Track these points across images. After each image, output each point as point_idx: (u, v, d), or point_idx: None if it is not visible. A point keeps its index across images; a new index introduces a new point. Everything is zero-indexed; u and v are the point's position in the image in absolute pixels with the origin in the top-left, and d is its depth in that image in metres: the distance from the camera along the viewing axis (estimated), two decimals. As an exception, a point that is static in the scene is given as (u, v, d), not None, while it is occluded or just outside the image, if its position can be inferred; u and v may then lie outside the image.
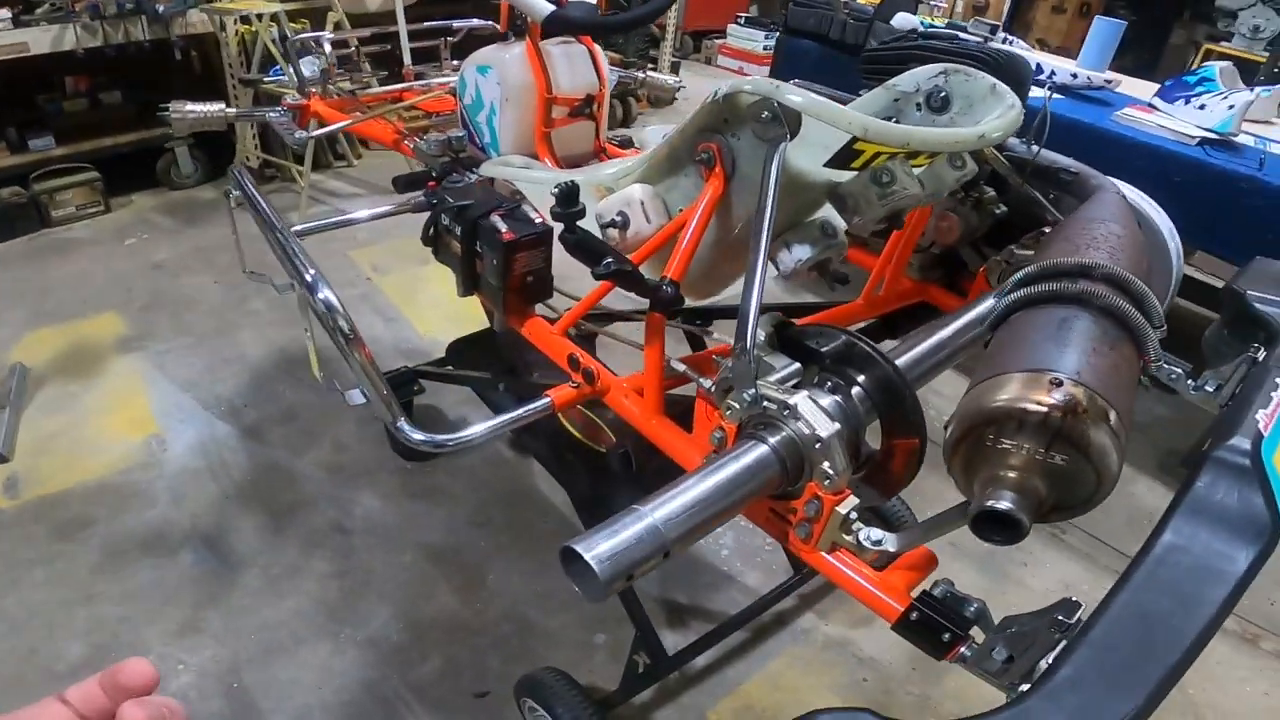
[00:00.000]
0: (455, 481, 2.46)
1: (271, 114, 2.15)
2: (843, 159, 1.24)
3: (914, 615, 1.06)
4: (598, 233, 1.39)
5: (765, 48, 6.56)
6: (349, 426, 2.66)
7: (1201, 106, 2.30)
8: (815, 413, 1.08)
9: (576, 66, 1.91)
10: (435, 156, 1.96)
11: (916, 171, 1.33)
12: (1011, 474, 0.89)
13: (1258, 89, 2.46)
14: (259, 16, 3.59)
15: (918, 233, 1.61)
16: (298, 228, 1.63)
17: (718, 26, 7.07)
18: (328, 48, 2.32)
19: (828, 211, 1.42)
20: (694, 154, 1.34)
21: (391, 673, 1.95)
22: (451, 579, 2.20)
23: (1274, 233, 2.01)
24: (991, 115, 1.36)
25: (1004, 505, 0.87)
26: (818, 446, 1.07)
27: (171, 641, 1.98)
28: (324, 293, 1.29)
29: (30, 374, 2.81)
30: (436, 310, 3.28)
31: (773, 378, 1.14)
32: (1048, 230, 1.55)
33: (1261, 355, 1.14)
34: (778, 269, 1.40)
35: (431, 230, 1.64)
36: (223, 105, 2.12)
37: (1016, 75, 1.54)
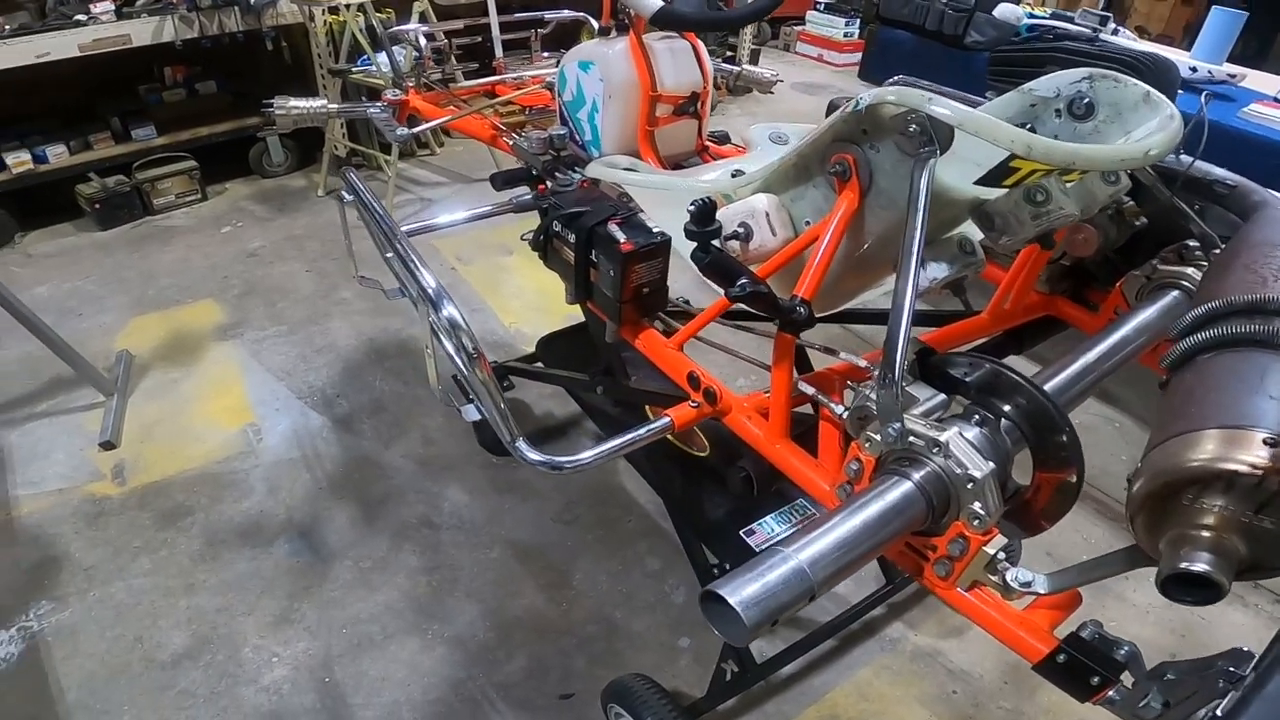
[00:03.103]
0: (541, 478, 2.42)
1: (372, 110, 2.11)
2: (996, 176, 1.14)
3: (1061, 658, 0.97)
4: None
5: (846, 34, 6.36)
6: (436, 419, 2.65)
7: (1340, 105, 2.11)
8: (969, 451, 0.99)
9: (680, 63, 1.82)
10: (536, 154, 1.89)
11: (1068, 186, 1.22)
12: (1207, 534, 0.79)
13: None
14: (346, 7, 3.57)
15: (1047, 251, 1.49)
16: (406, 228, 1.59)
17: (796, 13, 6.86)
18: (422, 40, 2.27)
19: (965, 227, 1.31)
20: (826, 165, 1.25)
21: (478, 671, 1.93)
22: (538, 577, 2.16)
23: None
24: (1147, 126, 1.23)
25: (1201, 568, 0.77)
26: (970, 486, 0.98)
27: (267, 633, 1.99)
28: (448, 309, 1.23)
29: (135, 361, 2.85)
30: (520, 301, 3.25)
31: (917, 410, 1.05)
32: (1192, 244, 1.42)
33: None
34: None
35: (542, 236, 1.58)
36: (324, 101, 2.08)
37: (1166, 81, 1.41)
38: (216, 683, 1.86)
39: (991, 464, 0.99)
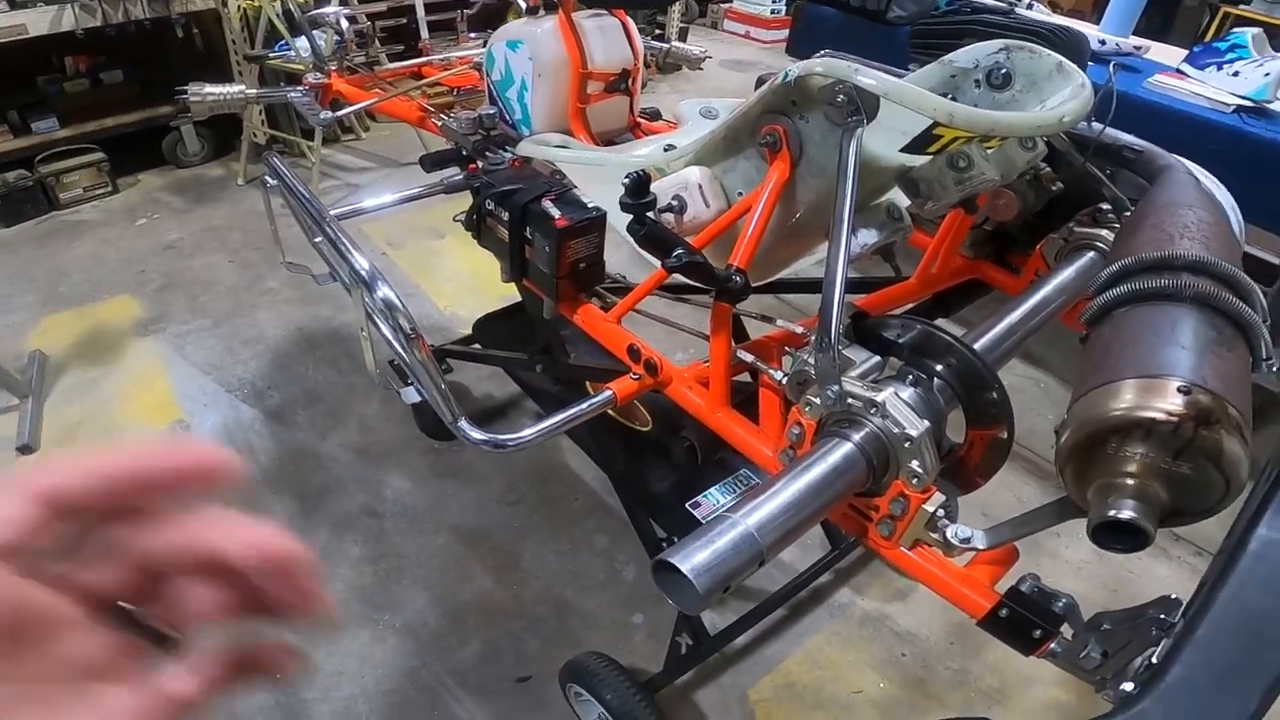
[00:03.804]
0: (483, 460, 2.40)
1: (293, 94, 2.03)
2: (920, 144, 1.16)
3: (1004, 612, 1.01)
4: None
5: (774, 11, 6.38)
6: (374, 407, 2.59)
7: (1235, 74, 2.22)
8: (904, 410, 1.01)
9: (610, 40, 1.81)
10: (465, 135, 1.86)
11: (989, 152, 1.25)
12: (1131, 481, 0.83)
13: (1295, 55, 2.38)
14: (263, -9, 3.43)
15: (971, 215, 1.53)
16: (334, 212, 1.54)
17: (725, -10, 6.86)
18: (344, 23, 2.19)
19: (893, 194, 1.34)
20: (757, 136, 1.25)
21: (432, 659, 1.91)
22: (485, 561, 2.14)
23: (1321, 203, 1.95)
24: (1061, 94, 1.28)
25: (1127, 514, 0.80)
26: (907, 445, 1.01)
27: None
28: (383, 290, 1.20)
29: (49, 361, 2.71)
30: (454, 284, 3.19)
31: (854, 373, 1.07)
32: (1105, 208, 1.48)
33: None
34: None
35: (475, 215, 1.55)
36: (243, 87, 2.00)
37: (1077, 52, 1.46)
38: None
39: (927, 422, 1.01)
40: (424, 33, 2.53)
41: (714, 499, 1.88)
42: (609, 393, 1.30)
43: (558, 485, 2.34)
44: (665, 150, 1.67)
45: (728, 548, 0.89)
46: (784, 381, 1.17)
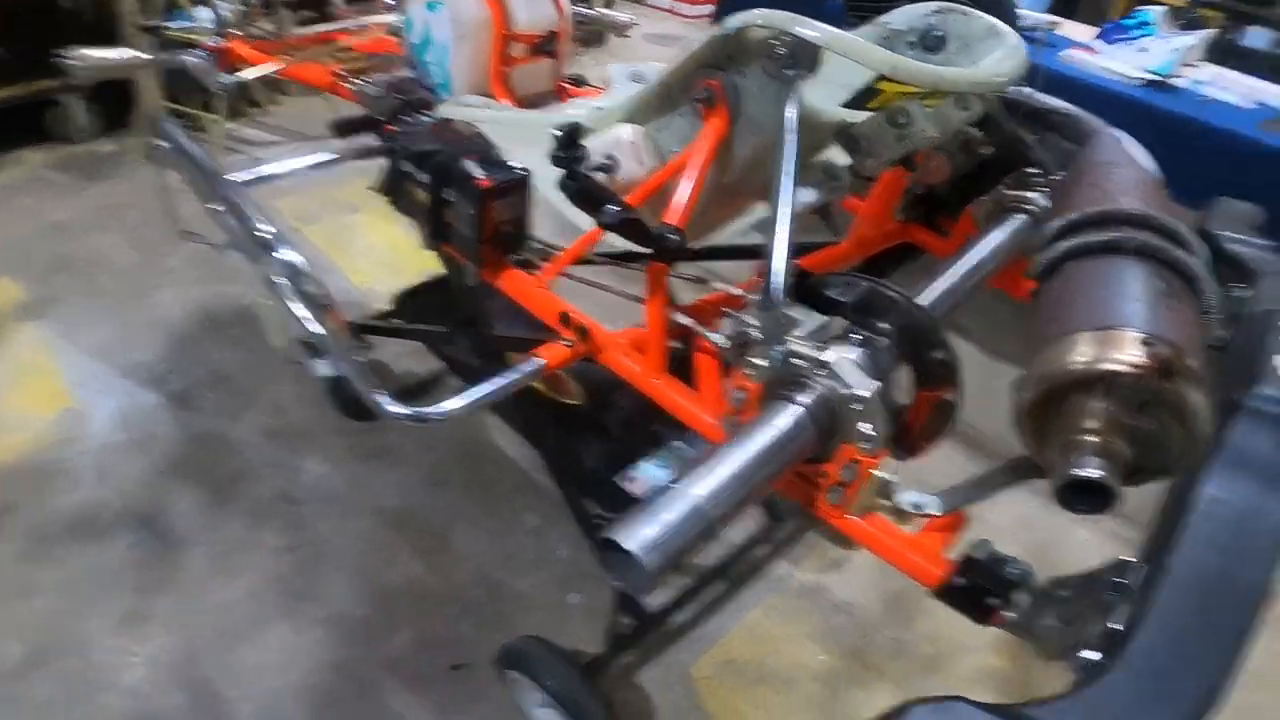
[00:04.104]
0: (406, 440, 2.27)
1: (190, 59, 1.85)
2: (861, 99, 1.11)
3: (959, 580, 0.97)
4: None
5: (699, -20, 6.26)
6: (286, 387, 2.42)
7: (1143, 49, 2.26)
8: (852, 371, 0.96)
9: (535, 0, 1.70)
10: (380, 99, 1.72)
11: (928, 111, 1.20)
12: (1094, 438, 0.79)
13: (1197, 32, 2.44)
14: (154, -49, 3.14)
15: (905, 176, 1.49)
16: (239, 176, 1.40)
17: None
18: (240, -17, 2.01)
19: (830, 153, 1.28)
20: (691, 92, 1.18)
21: (361, 650, 1.79)
22: (413, 544, 2.03)
23: (1221, 173, 2.00)
24: (994, 55, 1.25)
25: (1093, 472, 0.76)
26: (857, 407, 0.96)
27: (118, 633, 1.76)
28: (287, 254, 1.08)
29: (-81, 348, 2.43)
30: (370, 258, 3.02)
31: (798, 332, 1.01)
32: (1032, 171, 1.46)
33: (1247, 295, 1.09)
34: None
35: (391, 178, 1.43)
36: (134, 52, 1.81)
37: (1005, 15, 1.43)
38: (73, 690, 1.65)
39: (878, 382, 0.96)
40: (335, -4, 2.34)
41: (648, 472, 1.82)
42: (539, 361, 1.21)
43: (486, 464, 2.24)
44: (593, 111, 1.58)
45: (676, 522, 0.82)
46: (724, 345, 1.10)
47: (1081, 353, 0.79)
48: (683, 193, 1.12)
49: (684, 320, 1.18)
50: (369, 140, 1.64)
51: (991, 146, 1.50)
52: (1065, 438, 0.79)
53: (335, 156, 1.58)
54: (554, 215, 1.38)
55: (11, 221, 3.09)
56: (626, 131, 1.23)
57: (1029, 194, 1.44)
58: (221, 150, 3.39)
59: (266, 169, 1.50)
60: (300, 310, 1.11)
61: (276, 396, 2.39)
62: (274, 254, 1.10)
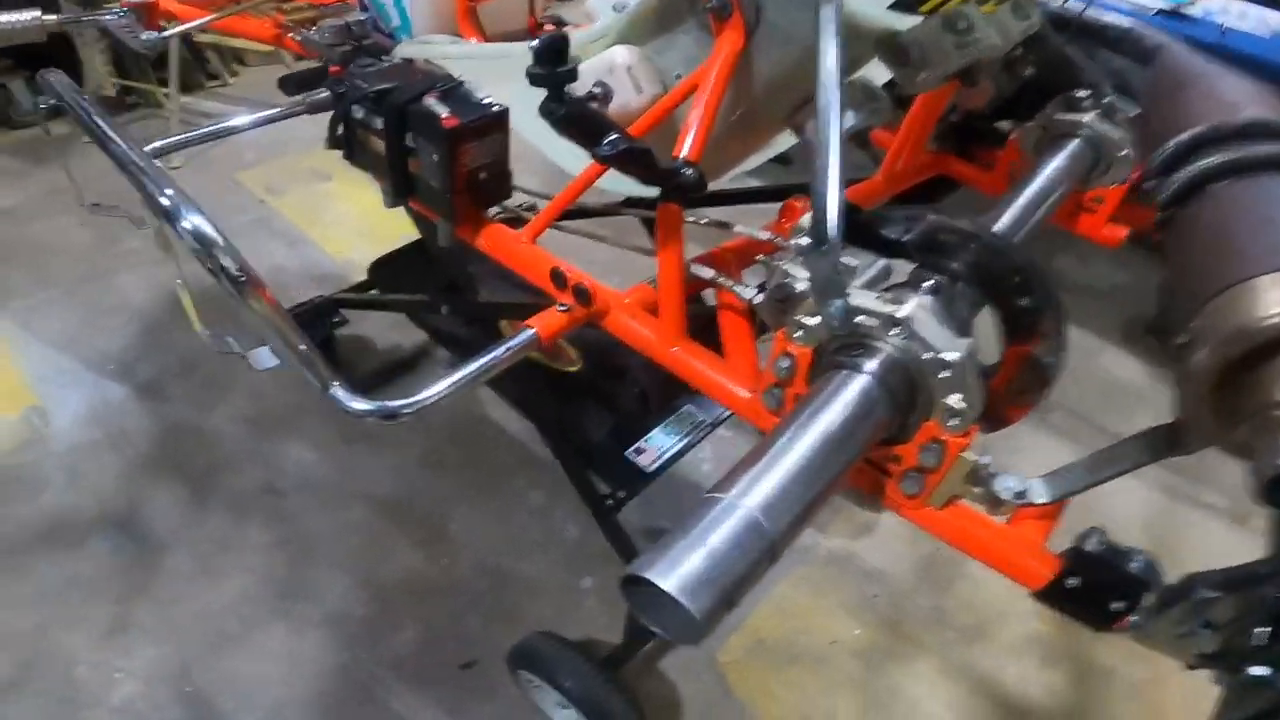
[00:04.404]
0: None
1: (106, 16, 1.55)
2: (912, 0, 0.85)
3: (1071, 581, 0.75)
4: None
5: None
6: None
7: (1156, -22, 2.03)
8: (934, 326, 0.72)
9: (499, -84, 1.41)
10: (332, 46, 1.44)
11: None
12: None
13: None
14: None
15: (945, 99, 1.24)
16: (154, 145, 1.14)
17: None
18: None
19: (864, 72, 1.02)
20: (697, 2, 0.91)
21: (362, 651, 1.58)
22: (410, 533, 1.80)
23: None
24: None
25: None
26: (944, 375, 0.72)
27: (102, 646, 1.56)
28: (191, 218, 0.84)
29: None
30: (344, 227, 2.73)
31: (858, 283, 0.77)
32: (1081, 93, 1.21)
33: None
34: (809, 141, 1.01)
35: (341, 127, 1.16)
36: (37, 12, 1.52)
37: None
38: (57, 711, 1.46)
39: (968, 339, 0.72)
40: (275, -62, 2.01)
41: (658, 442, 1.60)
42: (530, 331, 0.96)
43: (483, 441, 2.00)
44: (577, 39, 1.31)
45: (729, 545, 0.60)
46: (757, 300, 0.86)
47: (1276, 301, 0.55)
48: (694, 122, 0.87)
49: (703, 272, 0.94)
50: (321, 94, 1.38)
51: (1034, 67, 1.25)
52: (1266, 414, 0.56)
53: (281, 111, 1.31)
54: (539, 165, 1.13)
55: (-43, 212, 2.79)
56: (620, 54, 0.97)
57: (1082, 117, 1.20)
58: (176, 126, 3.06)
59: (189, 133, 1.23)
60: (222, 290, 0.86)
61: (253, 381, 2.13)
62: (176, 221, 0.85)
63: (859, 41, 0.95)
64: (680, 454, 1.58)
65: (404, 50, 1.39)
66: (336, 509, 1.85)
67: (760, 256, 0.82)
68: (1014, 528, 0.80)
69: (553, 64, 0.75)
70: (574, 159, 1.03)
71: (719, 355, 0.93)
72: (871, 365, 0.74)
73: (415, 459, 1.95)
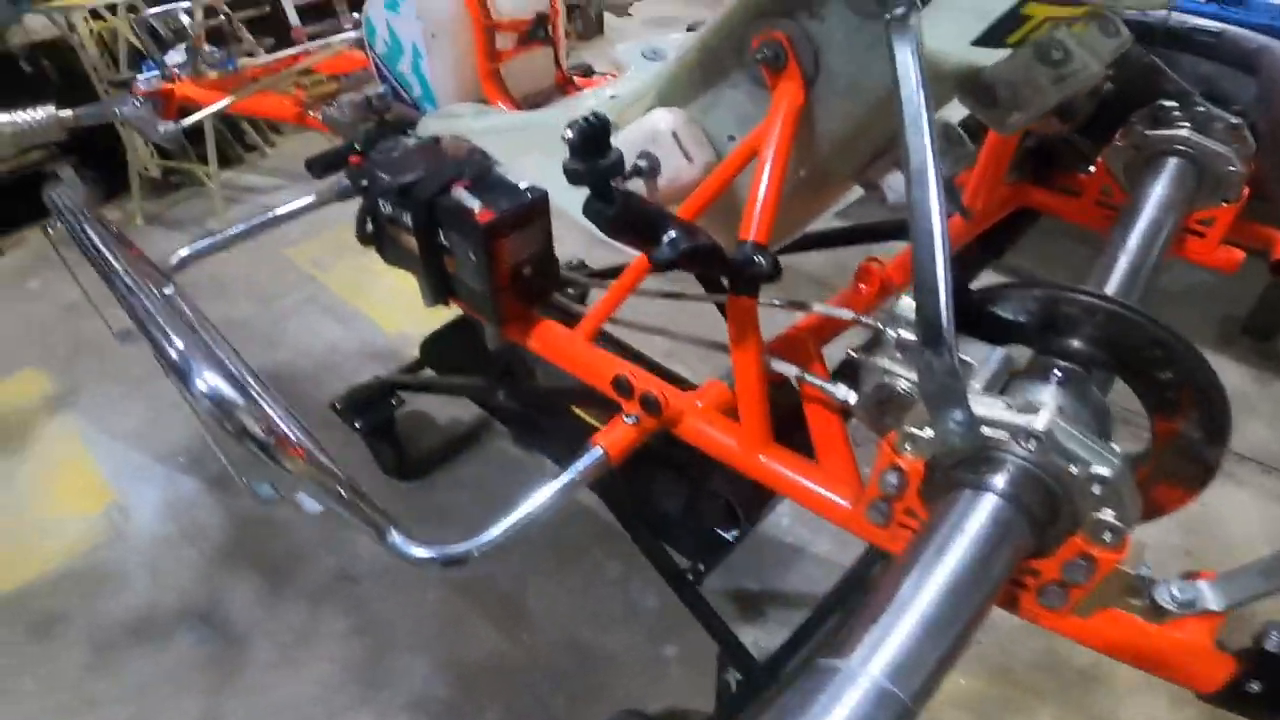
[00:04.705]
0: (461, 495, 1.95)
1: (123, 108, 1.50)
2: (1000, 31, 0.71)
3: (1251, 686, 0.60)
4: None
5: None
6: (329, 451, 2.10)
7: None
8: (1081, 439, 0.59)
9: (515, -21, 1.31)
10: (354, 123, 1.36)
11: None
12: None
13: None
14: (112, 8, 2.78)
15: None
16: (180, 254, 1.07)
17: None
18: (185, 19, 1.65)
19: (944, 111, 0.89)
20: (746, 54, 0.79)
21: (449, 735, 1.49)
22: (488, 612, 1.71)
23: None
24: None
25: None
26: (1097, 490, 0.58)
27: (197, 738, 1.50)
28: (208, 375, 0.75)
29: (-54, 460, 2.18)
30: (395, 300, 2.66)
31: (976, 383, 0.64)
32: (1168, 104, 1.04)
33: None
34: (882, 199, 0.87)
35: (369, 223, 1.07)
36: (51, 108, 1.47)
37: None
38: None
39: (1122, 450, 0.58)
40: (293, 18, 1.97)
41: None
42: (597, 452, 0.85)
43: (555, 514, 1.89)
44: (611, 100, 1.20)
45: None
46: (853, 403, 0.74)
47: None
48: (759, 195, 0.75)
49: (785, 369, 0.81)
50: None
51: (1112, 81, 1.08)
52: None
53: (305, 205, 1.23)
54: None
55: (28, 306, 2.82)
56: (664, 119, 0.85)
57: (1178, 131, 1.03)
58: (223, 204, 3.05)
59: (207, 240, 1.16)
60: (248, 452, 0.77)
61: (317, 465, 2.08)
62: (187, 382, 0.77)
63: (938, 83, 0.81)
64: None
65: (428, 126, 1.30)
66: (412, 592, 1.77)
67: (853, 352, 0.69)
68: (1174, 628, 0.65)
69: (594, 156, 0.64)
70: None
71: (809, 457, 0.80)
72: (1001, 482, 0.61)
73: (484, 534, 1.86)
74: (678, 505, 1.42)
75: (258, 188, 3.36)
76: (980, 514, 0.60)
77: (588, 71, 1.56)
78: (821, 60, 0.75)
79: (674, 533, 1.39)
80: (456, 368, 1.68)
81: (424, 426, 2.09)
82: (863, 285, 0.93)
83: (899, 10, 0.64)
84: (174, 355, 0.79)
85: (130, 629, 1.74)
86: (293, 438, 0.77)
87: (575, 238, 1.24)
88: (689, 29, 1.79)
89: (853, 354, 0.71)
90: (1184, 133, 1.01)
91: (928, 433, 0.64)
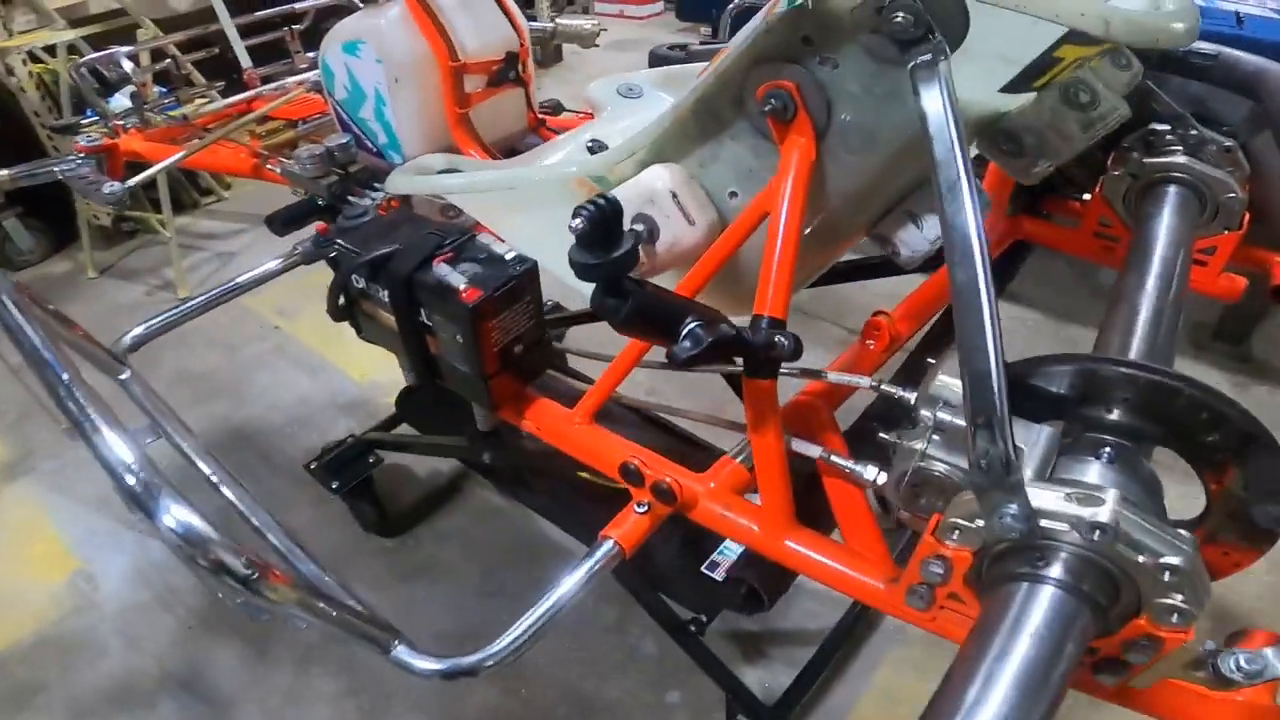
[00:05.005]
0: (447, 549, 1.84)
1: (64, 167, 1.37)
2: (1031, 74, 0.65)
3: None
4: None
5: (650, -11, 5.61)
6: (304, 510, 1.97)
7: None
8: (1147, 527, 0.53)
9: (481, 17, 1.23)
10: (315, 178, 1.26)
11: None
12: None
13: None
14: (50, 50, 2.61)
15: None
16: (130, 334, 0.97)
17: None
18: (127, 65, 1.53)
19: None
20: (748, 104, 0.72)
21: (454, 798, 1.39)
22: (482, 667, 1.61)
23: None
24: None
25: None
26: (1167, 578, 0.52)
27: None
28: (174, 512, 0.65)
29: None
30: (368, 349, 2.52)
31: (1028, 469, 0.58)
32: (1160, 128, 1.00)
33: None
34: (895, 254, 0.81)
35: (340, 297, 0.98)
36: None
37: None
38: None
39: (1190, 536, 0.53)
40: (244, 60, 1.84)
41: (733, 551, 1.40)
42: (609, 544, 0.77)
43: (542, 561, 1.80)
44: (589, 149, 1.12)
45: None
46: (884, 483, 0.67)
47: None
48: (775, 259, 0.68)
49: (807, 449, 0.73)
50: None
51: None
52: None
53: (266, 272, 1.13)
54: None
55: (-29, 369, 2.63)
56: (662, 178, 0.78)
57: (1175, 158, 0.99)
58: (178, 253, 2.87)
59: (161, 316, 1.06)
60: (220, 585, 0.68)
61: (295, 523, 1.92)
62: (152, 516, 0.67)
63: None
64: (760, 558, 1.39)
65: (397, 184, 1.20)
66: None
67: (885, 436, 0.62)
68: (1235, 694, 0.60)
69: (606, 247, 0.56)
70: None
71: (826, 529, 0.74)
72: (1062, 572, 0.55)
73: (473, 590, 1.75)
74: (675, 557, 1.35)
75: (216, 233, 3.18)
76: (1041, 608, 0.54)
77: (557, 109, 1.48)
78: (834, 110, 0.68)
79: (673, 585, 1.31)
80: (436, 422, 1.58)
81: (403, 479, 1.98)
82: (871, 342, 0.86)
83: (925, 57, 0.58)
84: (132, 482, 0.69)
85: (110, 698, 1.61)
86: (277, 563, 0.67)
87: (547, 279, 1.16)
88: (652, 57, 1.72)
89: (885, 438, 0.64)
90: (1182, 159, 0.97)
91: (973, 525, 0.57)
